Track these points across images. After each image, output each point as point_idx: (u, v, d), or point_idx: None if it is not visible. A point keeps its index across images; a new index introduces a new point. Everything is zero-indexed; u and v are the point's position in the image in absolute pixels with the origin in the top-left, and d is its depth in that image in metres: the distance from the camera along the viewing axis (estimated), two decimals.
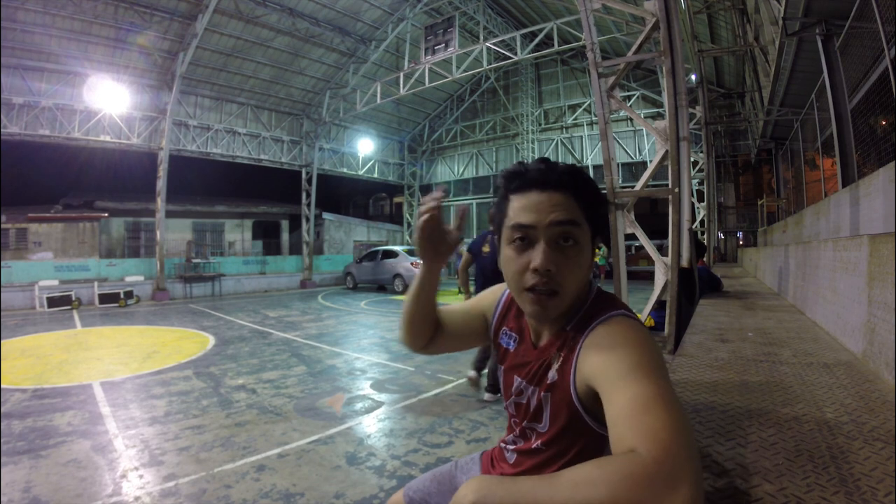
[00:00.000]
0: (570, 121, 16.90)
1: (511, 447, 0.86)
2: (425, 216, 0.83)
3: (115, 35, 10.73)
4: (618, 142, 15.11)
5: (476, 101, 19.20)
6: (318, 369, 5.02)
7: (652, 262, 3.93)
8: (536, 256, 0.72)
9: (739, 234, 15.36)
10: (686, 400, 1.45)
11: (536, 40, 11.24)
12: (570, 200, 0.73)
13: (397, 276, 13.31)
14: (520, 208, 0.74)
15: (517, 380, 0.83)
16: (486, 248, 3.79)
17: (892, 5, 2.98)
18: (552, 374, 0.75)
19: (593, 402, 0.67)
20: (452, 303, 1.02)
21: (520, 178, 0.76)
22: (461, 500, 0.56)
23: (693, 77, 9.65)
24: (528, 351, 0.83)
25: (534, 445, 0.79)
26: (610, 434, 0.57)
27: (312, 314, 9.47)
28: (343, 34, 13.36)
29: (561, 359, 0.75)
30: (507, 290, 0.94)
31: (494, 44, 11.63)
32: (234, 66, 13.06)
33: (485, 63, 11.81)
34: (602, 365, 0.65)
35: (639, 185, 4.00)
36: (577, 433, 0.73)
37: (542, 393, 0.77)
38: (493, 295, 0.98)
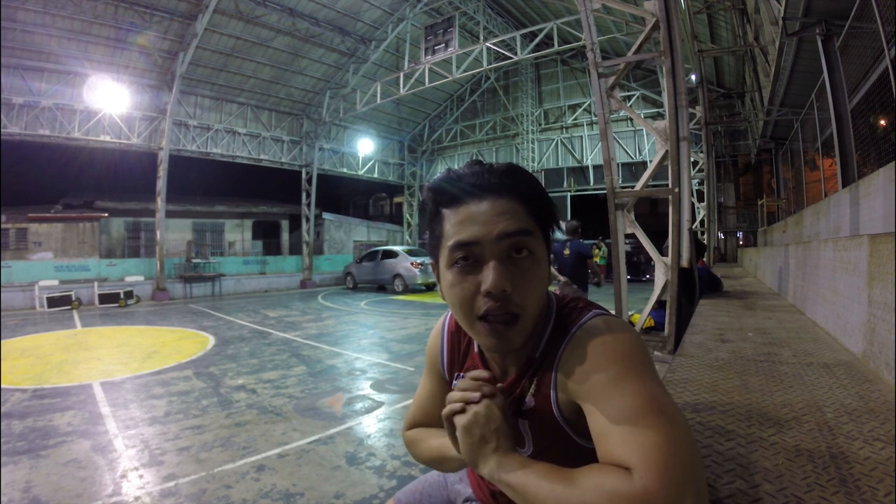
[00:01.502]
0: (570, 121, 16.90)
1: None
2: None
3: (115, 35, 10.72)
4: (618, 142, 15.12)
5: (476, 101, 19.20)
6: (318, 369, 5.02)
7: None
8: (487, 277, 0.60)
9: (739, 234, 15.36)
10: (686, 400, 1.45)
11: (536, 40, 11.24)
12: (516, 205, 0.63)
13: (397, 276, 13.31)
14: (458, 223, 0.63)
15: None
16: (566, 252, 4.79)
17: (892, 5, 2.99)
18: (528, 401, 0.68)
19: (578, 417, 0.61)
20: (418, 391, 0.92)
21: (452, 188, 0.65)
22: (481, 466, 0.58)
23: (693, 77, 9.66)
24: None
25: None
26: (599, 449, 0.54)
27: (312, 314, 9.47)
28: (343, 34, 13.36)
29: (535, 384, 0.67)
30: (447, 322, 0.83)
31: (494, 44, 11.63)
32: (234, 66, 13.06)
33: (485, 63, 11.81)
34: (584, 376, 0.59)
35: (639, 185, 4.00)
36: (563, 451, 0.66)
37: (520, 421, 0.69)
38: (435, 336, 0.85)
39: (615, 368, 0.57)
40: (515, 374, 0.70)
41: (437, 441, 0.79)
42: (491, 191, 0.63)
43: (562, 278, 4.67)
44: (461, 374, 0.79)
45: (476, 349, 0.77)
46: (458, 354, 0.80)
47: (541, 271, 0.64)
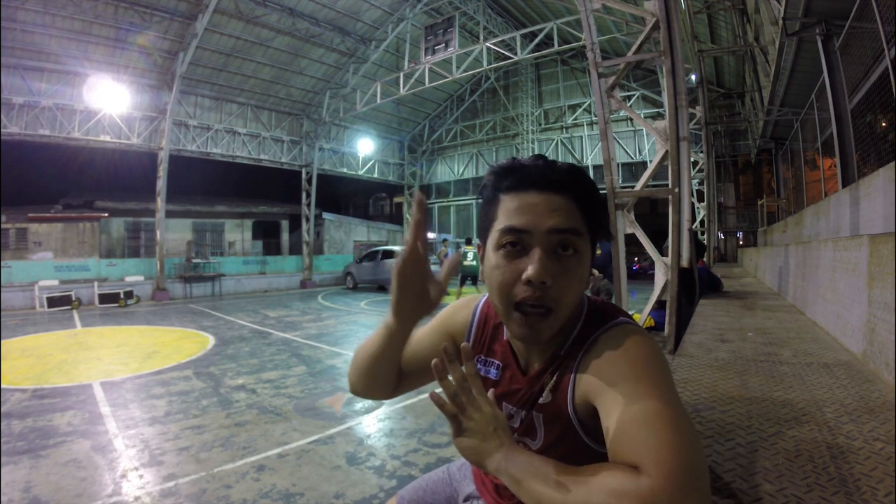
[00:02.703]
0: (570, 121, 16.90)
1: None
2: (409, 250, 0.67)
3: (115, 35, 10.71)
4: (618, 142, 15.11)
5: (476, 101, 19.20)
6: (318, 369, 5.02)
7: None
8: (531, 265, 0.62)
9: (739, 234, 15.36)
10: (686, 400, 1.45)
11: (536, 40, 11.24)
12: (571, 205, 0.65)
13: None
14: (513, 210, 0.65)
15: (506, 406, 0.76)
16: (598, 251, 5.35)
17: (892, 5, 2.98)
18: (546, 395, 0.70)
19: (592, 419, 0.63)
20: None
21: (514, 176, 0.67)
22: (487, 464, 0.59)
23: (693, 77, 9.66)
24: (516, 378, 0.75)
25: None
26: (610, 449, 0.55)
27: (312, 314, 9.47)
28: (343, 34, 13.36)
29: (554, 380, 0.69)
30: (482, 303, 0.84)
31: (494, 44, 11.63)
32: (234, 66, 13.05)
33: (485, 63, 11.81)
34: (601, 380, 0.60)
35: (639, 185, 4.00)
36: (572, 450, 0.67)
37: (535, 413, 0.71)
38: (466, 309, 0.86)
39: (632, 373, 0.58)
40: (540, 368, 0.72)
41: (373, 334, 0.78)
42: (551, 186, 0.65)
43: (595, 272, 5.67)
44: (482, 356, 0.81)
45: (506, 337, 0.78)
46: (483, 336, 0.81)
47: (582, 271, 0.66)
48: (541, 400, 0.70)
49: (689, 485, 0.47)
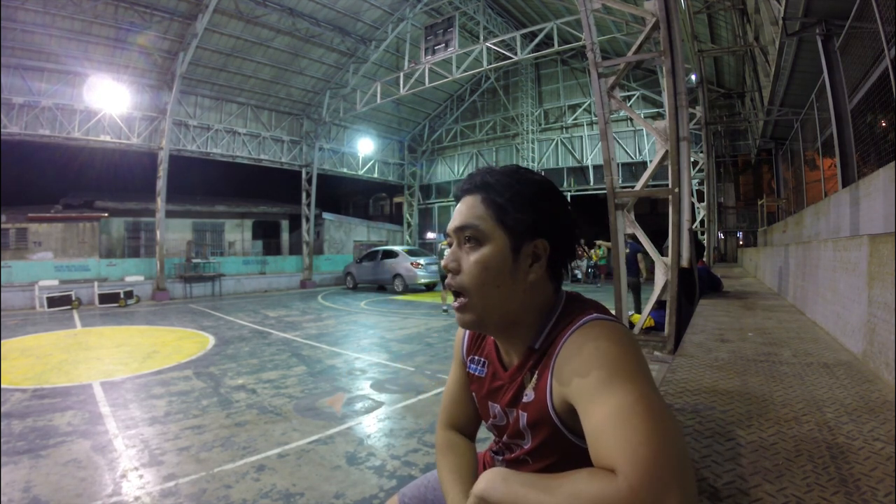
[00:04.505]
0: (570, 121, 16.90)
1: (499, 458, 0.84)
2: None
3: (115, 35, 10.72)
4: (618, 142, 15.11)
5: (476, 101, 19.20)
6: (318, 369, 5.02)
7: None
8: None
9: (739, 234, 15.36)
10: (686, 400, 1.45)
11: (536, 40, 11.24)
12: (478, 203, 0.74)
13: (397, 276, 13.30)
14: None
15: (493, 405, 0.80)
16: (626, 250, 6.05)
17: (892, 5, 2.98)
18: (528, 394, 0.71)
19: (572, 417, 0.63)
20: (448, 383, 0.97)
21: (457, 187, 0.81)
22: (473, 489, 0.63)
23: (693, 77, 9.66)
24: (498, 374, 0.80)
25: (520, 457, 0.76)
26: (590, 451, 0.55)
27: (312, 314, 9.46)
28: (343, 34, 13.36)
29: (534, 377, 0.71)
30: None
31: (494, 44, 11.63)
32: (234, 66, 13.06)
33: (485, 63, 11.81)
34: (576, 377, 0.61)
35: (639, 185, 4.00)
36: (559, 448, 0.69)
37: (520, 412, 0.73)
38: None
39: (606, 371, 0.58)
40: (518, 363, 0.76)
41: (445, 475, 0.84)
42: (466, 191, 0.77)
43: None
44: (475, 356, 0.87)
45: (490, 337, 0.85)
46: (475, 340, 0.89)
47: (489, 261, 0.72)
48: (524, 399, 0.72)
49: (669, 481, 0.47)
